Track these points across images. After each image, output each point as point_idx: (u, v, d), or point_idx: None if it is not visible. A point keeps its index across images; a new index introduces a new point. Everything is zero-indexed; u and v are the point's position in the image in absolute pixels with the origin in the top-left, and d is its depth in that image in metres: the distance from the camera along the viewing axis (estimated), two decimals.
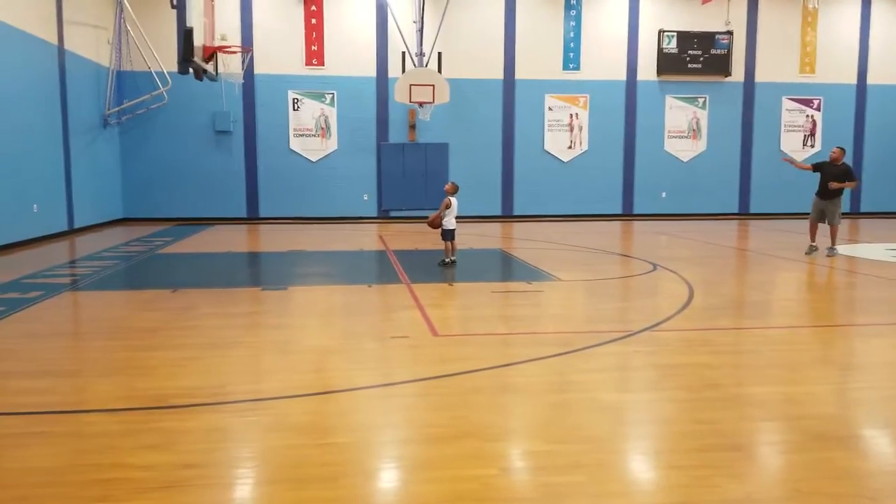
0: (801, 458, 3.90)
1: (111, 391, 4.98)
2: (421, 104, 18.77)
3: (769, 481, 3.66)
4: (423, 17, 19.29)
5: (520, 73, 20.84)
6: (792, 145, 22.25)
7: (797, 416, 4.55)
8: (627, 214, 21.76)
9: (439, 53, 19.50)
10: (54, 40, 15.42)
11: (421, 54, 19.35)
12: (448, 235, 11.04)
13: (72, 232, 16.15)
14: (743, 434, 4.25)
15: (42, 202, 14.69)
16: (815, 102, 22.27)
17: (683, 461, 3.81)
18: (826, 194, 12.45)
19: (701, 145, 21.95)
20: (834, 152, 12.53)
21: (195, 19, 13.34)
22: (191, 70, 13.59)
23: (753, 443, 4.18)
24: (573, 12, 20.92)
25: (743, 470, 3.73)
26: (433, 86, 18.52)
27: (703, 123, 21.89)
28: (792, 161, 13.25)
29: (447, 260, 11.09)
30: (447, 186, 11.15)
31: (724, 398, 4.86)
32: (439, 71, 19.22)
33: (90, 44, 17.49)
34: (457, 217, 11.04)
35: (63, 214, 15.82)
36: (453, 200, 10.96)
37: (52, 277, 10.11)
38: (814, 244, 12.60)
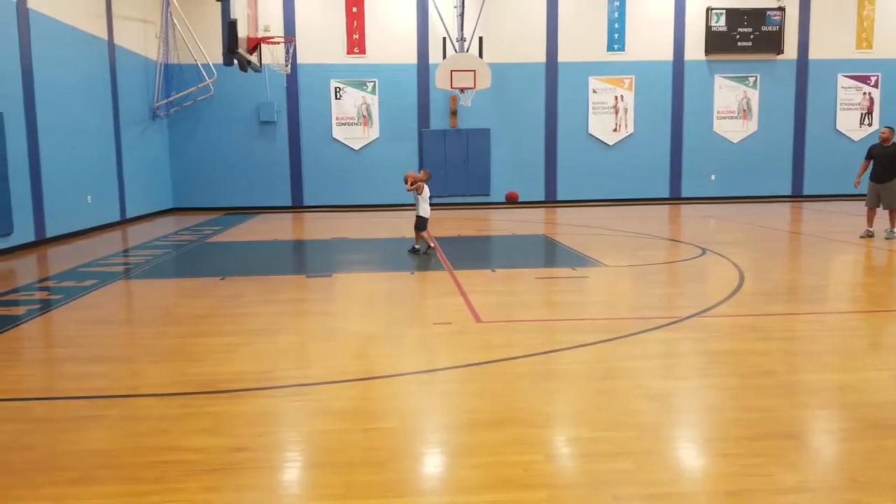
0: (857, 446, 3.80)
1: (164, 376, 5.10)
2: (462, 90, 18.69)
3: (824, 470, 3.58)
4: (463, 2, 19.15)
5: (562, 56, 20.60)
6: (849, 124, 21.57)
7: (853, 403, 4.43)
8: (675, 198, 21.41)
9: (480, 38, 19.37)
10: (105, 35, 15.77)
11: (462, 39, 19.24)
12: (421, 224, 10.89)
13: (124, 222, 16.56)
14: (796, 422, 4.16)
15: (96, 193, 15.08)
16: (873, 79, 21.52)
17: (734, 449, 3.74)
18: (881, 178, 12.09)
19: (752, 126, 21.43)
20: (883, 132, 12.17)
21: (239, 11, 13.49)
22: (235, 61, 13.76)
23: (807, 431, 4.09)
24: None
25: (796, 459, 3.65)
26: (474, 71, 18.41)
27: (754, 103, 21.34)
28: (858, 178, 12.80)
29: (417, 247, 10.99)
30: (421, 173, 11.04)
31: (776, 385, 4.76)
32: (480, 56, 19.11)
33: (138, 38, 17.84)
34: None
35: (116, 205, 16.23)
36: (425, 186, 10.89)
37: (107, 266, 10.38)
38: (870, 229, 12.25)
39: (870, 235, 12.15)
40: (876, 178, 12.17)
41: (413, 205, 11.18)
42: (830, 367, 5.21)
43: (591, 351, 5.62)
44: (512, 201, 13.16)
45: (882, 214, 12.34)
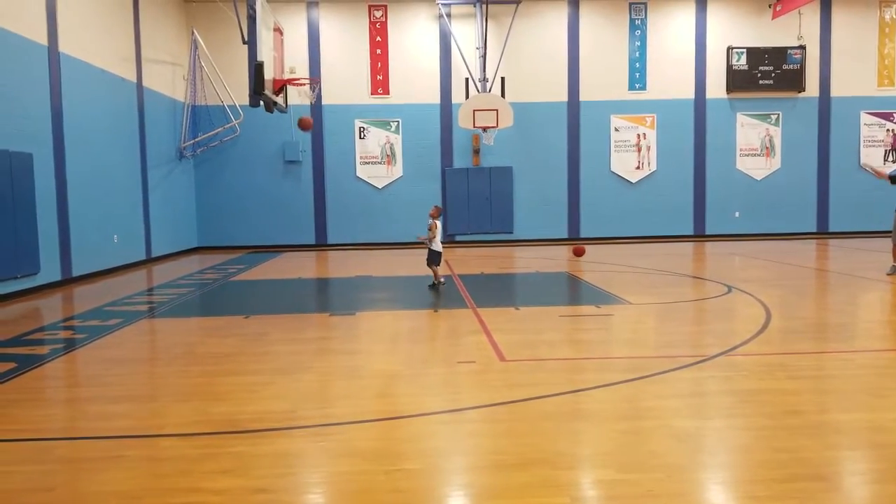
0: (890, 489, 3.69)
1: (187, 416, 5.10)
2: (485, 129, 18.86)
3: None
4: (486, 43, 19.44)
5: (584, 95, 20.74)
6: (872, 161, 21.38)
7: (885, 444, 4.32)
8: (699, 235, 21.28)
9: (502, 78, 19.60)
10: (133, 78, 16.16)
11: (484, 80, 19.48)
12: (435, 259, 11.28)
13: (150, 261, 16.76)
14: (827, 463, 4.06)
15: (122, 233, 15.31)
16: None
17: (763, 492, 3.65)
18: None
19: (775, 163, 21.34)
20: None
21: (265, 54, 13.75)
22: (261, 103, 14.00)
23: (838, 473, 3.98)
24: (638, 32, 20.76)
25: (827, 501, 3.55)
26: (497, 110, 18.61)
27: (777, 141, 21.29)
28: (872, 170, 12.74)
29: (437, 282, 11.37)
30: (431, 211, 11.48)
31: (805, 426, 4.66)
32: (503, 95, 19.31)
33: (167, 80, 18.25)
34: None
35: (141, 244, 16.45)
36: (438, 223, 11.32)
37: (131, 305, 10.49)
38: None
39: None
40: None
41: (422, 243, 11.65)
42: (861, 407, 5.09)
43: (617, 390, 5.55)
44: (579, 255, 14.73)
45: None
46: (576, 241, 20.75)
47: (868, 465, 4.05)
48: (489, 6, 19.77)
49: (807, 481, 3.76)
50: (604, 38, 20.75)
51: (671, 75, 20.93)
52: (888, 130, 21.43)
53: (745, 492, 3.68)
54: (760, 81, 20.98)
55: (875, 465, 4.02)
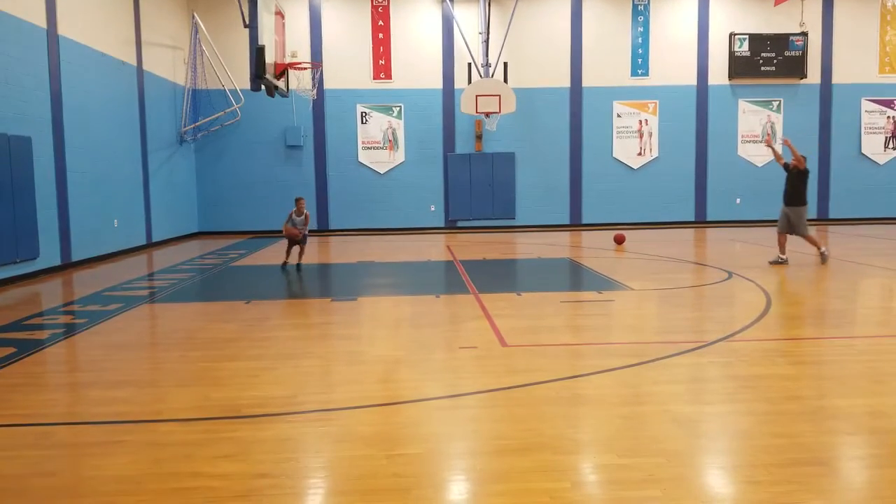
0: (889, 473, 3.71)
1: (187, 401, 5.11)
2: (487, 114, 18.80)
3: (854, 498, 3.49)
4: (488, 28, 19.34)
5: (587, 81, 20.66)
6: (873, 148, 21.37)
7: (883, 429, 4.33)
8: (700, 221, 21.26)
9: (505, 63, 19.51)
10: (133, 61, 16.08)
11: (487, 65, 19.39)
12: (302, 240, 12.27)
13: (150, 246, 16.76)
14: (826, 448, 4.07)
15: (122, 217, 15.29)
16: None
17: (763, 476, 3.66)
18: (789, 200, 11.88)
19: (776, 149, 21.24)
20: (796, 160, 12.02)
21: (267, 38, 13.69)
22: (263, 87, 13.94)
23: (837, 457, 3.99)
24: (641, 18, 20.64)
25: (826, 486, 3.56)
26: (499, 96, 18.54)
27: (779, 127, 21.22)
28: (772, 148, 12.89)
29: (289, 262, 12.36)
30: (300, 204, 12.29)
31: (805, 411, 4.66)
32: (505, 81, 19.23)
33: (167, 64, 18.18)
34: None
35: (142, 229, 16.44)
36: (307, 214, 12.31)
37: (131, 290, 10.49)
38: (783, 256, 11.97)
39: (782, 262, 11.87)
40: (785, 200, 12.01)
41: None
42: (860, 392, 5.10)
43: (617, 376, 5.56)
44: (620, 242, 15.37)
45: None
46: (577, 226, 20.77)
47: (867, 451, 4.06)
48: None
49: (806, 466, 3.77)
50: (607, 24, 20.63)
51: (673, 61, 20.84)
52: (889, 117, 21.36)
53: (745, 476, 3.69)
54: (762, 68, 20.89)
55: (874, 451, 4.03)
